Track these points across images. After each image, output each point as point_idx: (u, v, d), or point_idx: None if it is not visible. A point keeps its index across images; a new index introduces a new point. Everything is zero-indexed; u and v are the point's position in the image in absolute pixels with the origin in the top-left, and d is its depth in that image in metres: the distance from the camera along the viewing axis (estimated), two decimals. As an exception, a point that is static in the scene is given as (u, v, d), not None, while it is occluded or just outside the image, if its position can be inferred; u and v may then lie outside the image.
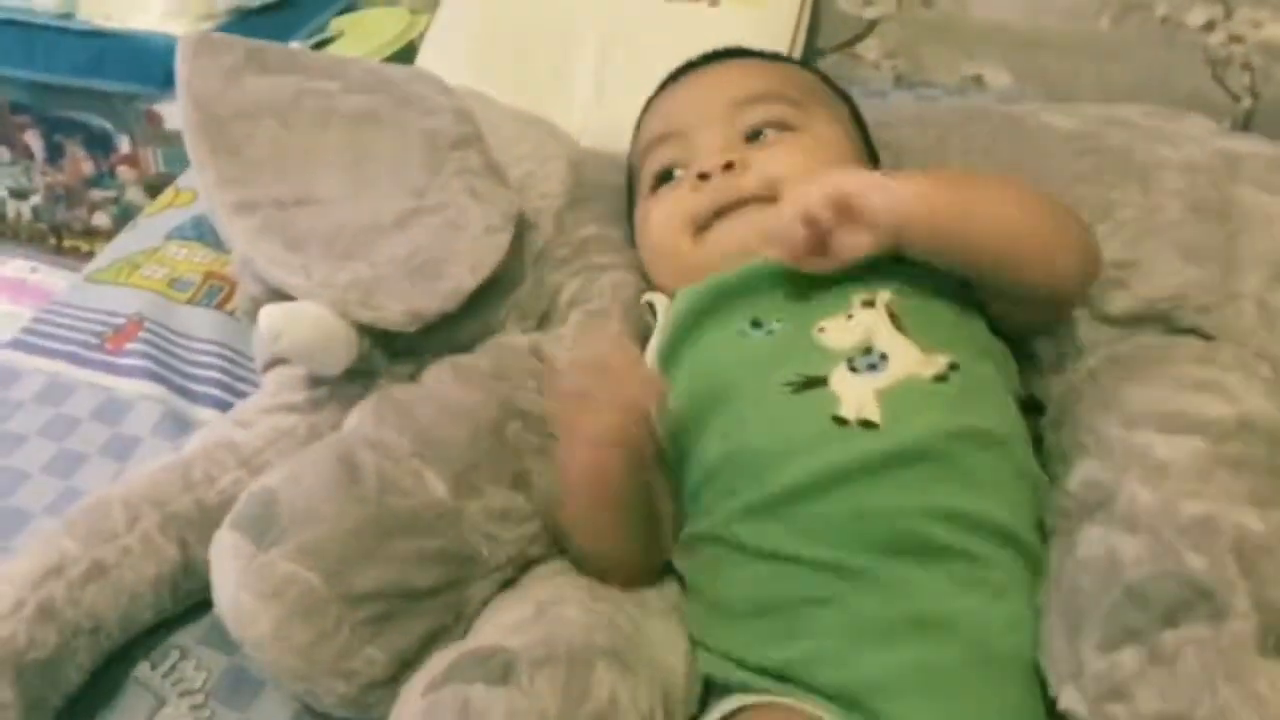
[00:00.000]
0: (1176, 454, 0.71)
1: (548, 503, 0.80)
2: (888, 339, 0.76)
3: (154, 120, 1.45)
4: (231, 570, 0.73)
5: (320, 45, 1.36)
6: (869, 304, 0.78)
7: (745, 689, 0.72)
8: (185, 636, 0.83)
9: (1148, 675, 0.61)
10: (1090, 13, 1.34)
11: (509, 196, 0.89)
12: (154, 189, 1.48)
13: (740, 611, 0.74)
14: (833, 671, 0.69)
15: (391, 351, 0.87)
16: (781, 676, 0.71)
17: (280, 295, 0.90)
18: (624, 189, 1.00)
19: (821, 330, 0.77)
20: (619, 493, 0.74)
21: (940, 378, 0.74)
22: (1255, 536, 0.65)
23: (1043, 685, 0.68)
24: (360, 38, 1.39)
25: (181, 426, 0.98)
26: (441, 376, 0.84)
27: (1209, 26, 1.32)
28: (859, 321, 0.77)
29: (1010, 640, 0.69)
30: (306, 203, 0.89)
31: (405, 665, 0.74)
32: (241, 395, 1.00)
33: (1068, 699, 0.65)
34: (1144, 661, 0.62)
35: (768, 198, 0.82)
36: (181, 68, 0.93)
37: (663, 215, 0.87)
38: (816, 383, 0.74)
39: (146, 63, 1.43)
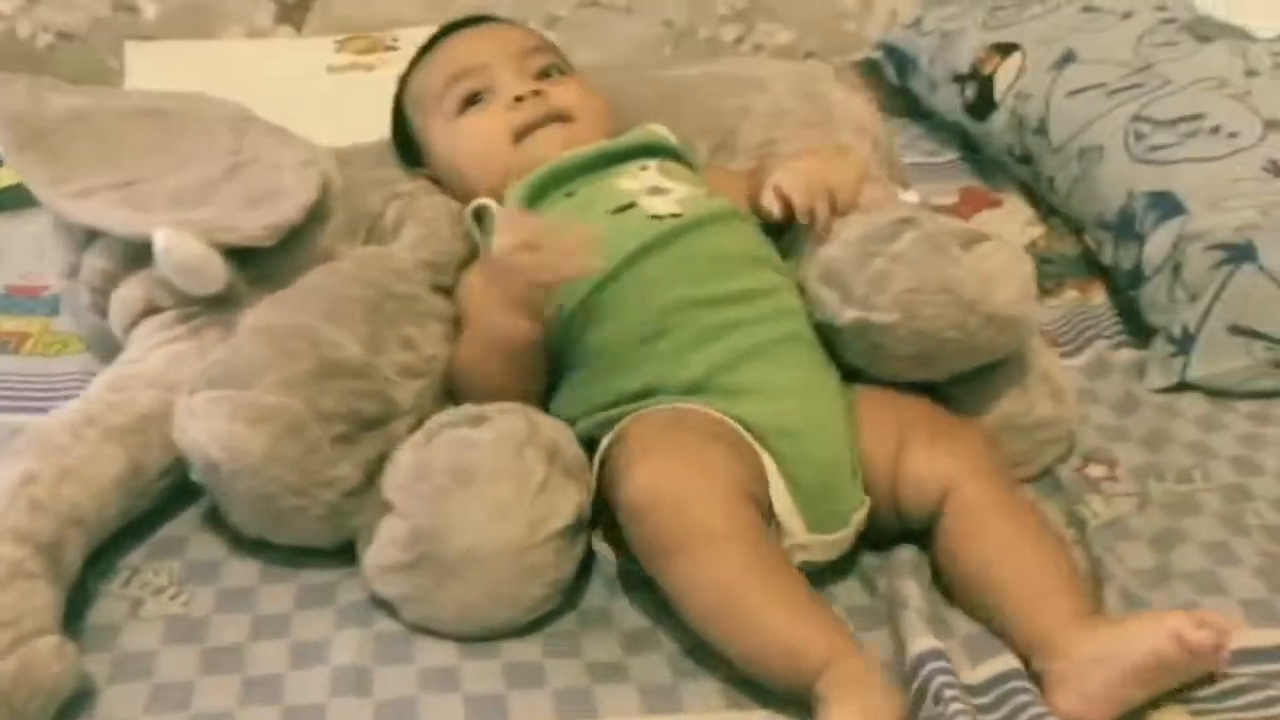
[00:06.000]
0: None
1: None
2: (667, 183, 1.04)
3: None
4: (219, 412, 0.85)
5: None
6: (644, 169, 1.06)
7: (614, 421, 0.92)
8: (133, 558, 0.92)
9: (891, 269, 0.93)
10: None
11: (308, 142, 1.07)
12: None
13: (607, 364, 0.95)
14: (682, 374, 0.92)
15: (248, 280, 1.01)
16: (646, 396, 0.93)
17: (133, 265, 1.01)
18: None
19: (617, 181, 1.04)
20: (526, 356, 0.94)
21: (710, 195, 1.05)
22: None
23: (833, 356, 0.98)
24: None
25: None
26: (315, 276, 0.99)
27: (739, 40, 1.77)
28: (640, 177, 1.05)
29: (794, 323, 0.97)
30: (138, 182, 1.01)
31: (369, 479, 0.89)
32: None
33: (849, 314, 0.94)
34: (888, 262, 0.93)
35: (566, 117, 1.09)
36: (-16, 99, 1.03)
37: (484, 127, 1.09)
38: (629, 206, 1.01)
39: None
